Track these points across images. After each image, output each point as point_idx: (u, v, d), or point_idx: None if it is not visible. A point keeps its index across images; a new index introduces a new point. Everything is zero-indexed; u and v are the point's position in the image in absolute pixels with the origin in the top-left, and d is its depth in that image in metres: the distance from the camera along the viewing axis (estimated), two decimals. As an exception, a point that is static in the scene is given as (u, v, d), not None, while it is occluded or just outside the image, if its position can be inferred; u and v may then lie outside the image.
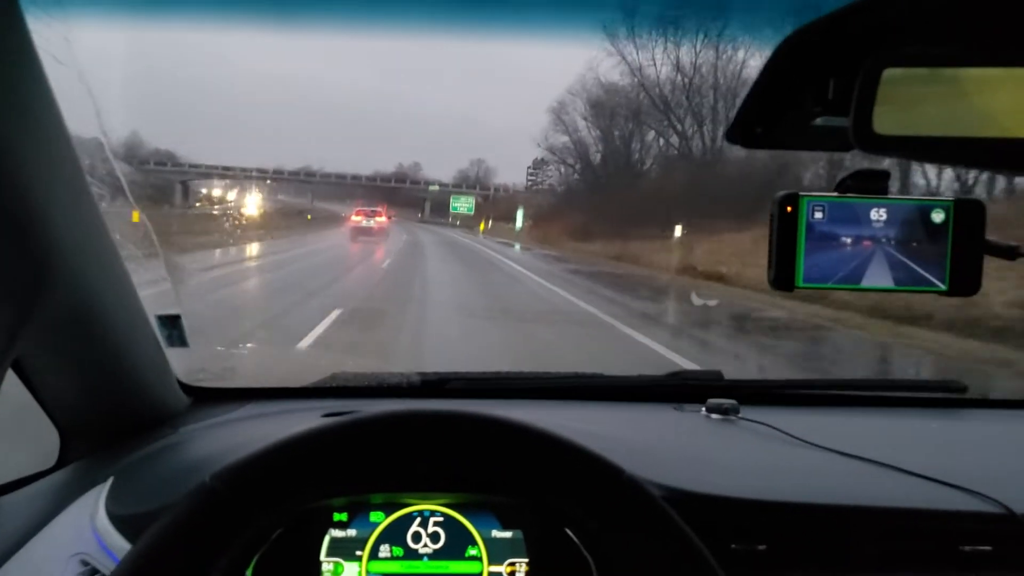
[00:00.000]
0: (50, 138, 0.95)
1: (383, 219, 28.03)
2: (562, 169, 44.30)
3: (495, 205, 52.42)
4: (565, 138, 41.27)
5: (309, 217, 42.19)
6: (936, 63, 0.64)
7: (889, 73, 0.63)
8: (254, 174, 45.20)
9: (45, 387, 1.19)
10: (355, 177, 55.07)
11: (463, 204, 49.07)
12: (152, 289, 1.33)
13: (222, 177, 42.88)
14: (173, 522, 0.76)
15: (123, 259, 1.18)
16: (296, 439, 0.81)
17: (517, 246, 30.42)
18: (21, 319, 0.97)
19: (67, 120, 0.96)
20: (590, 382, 1.73)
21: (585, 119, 38.12)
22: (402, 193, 63.31)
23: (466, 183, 56.06)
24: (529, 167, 56.16)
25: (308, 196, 52.87)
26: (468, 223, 47.97)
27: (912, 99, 0.64)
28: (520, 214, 40.77)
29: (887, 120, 0.64)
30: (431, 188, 56.16)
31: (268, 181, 46.75)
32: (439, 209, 56.35)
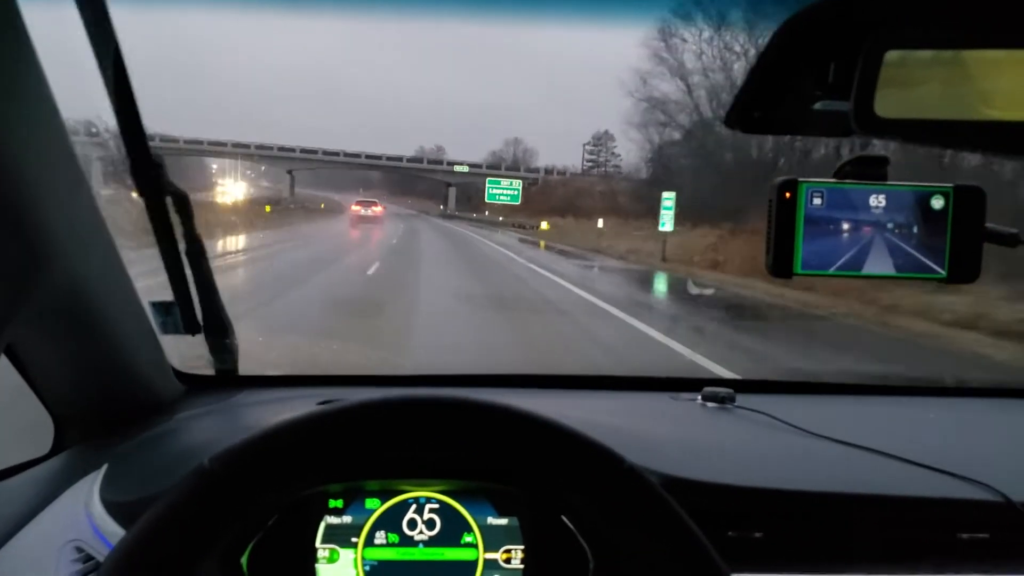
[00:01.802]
0: (44, 122, 0.95)
1: (379, 208, 35.21)
2: (656, 138, 29.66)
3: (547, 193, 40.52)
4: (670, 86, 27.75)
5: (323, 206, 41.20)
6: (939, 45, 0.63)
7: (891, 55, 0.63)
8: (254, 152, 41.13)
9: (39, 374, 1.19)
10: (349, 155, 46.02)
11: (505, 191, 36.92)
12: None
13: (221, 155, 39.56)
14: (170, 504, 0.75)
15: (117, 245, 1.17)
16: (295, 423, 0.80)
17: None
18: (13, 304, 0.97)
19: (60, 103, 0.95)
20: (587, 372, 1.74)
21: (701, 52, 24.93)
22: (420, 182, 53.88)
23: (503, 167, 44.63)
24: (587, 143, 46.35)
25: (289, 182, 45.81)
26: (512, 218, 36.42)
27: (914, 82, 0.64)
28: (669, 203, 18.69)
29: (889, 103, 0.63)
30: (457, 169, 44.17)
31: (259, 162, 43.59)
32: (468, 199, 45.63)
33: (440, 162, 47.51)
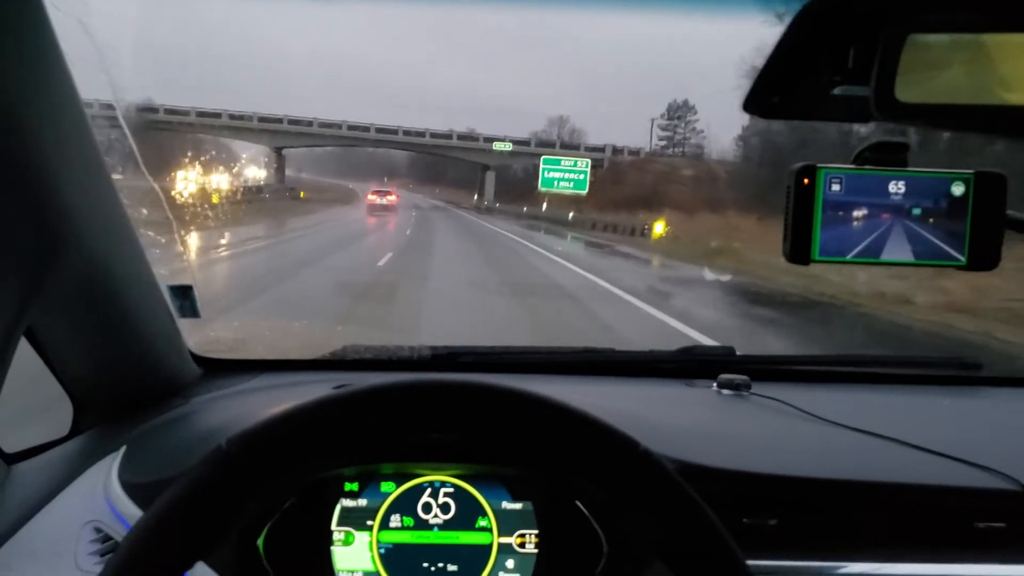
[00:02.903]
0: (63, 106, 0.95)
1: (393, 197, 32.77)
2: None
3: (617, 179, 31.92)
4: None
5: (303, 195, 33.41)
6: (961, 28, 0.63)
7: (912, 39, 0.62)
8: (225, 123, 32.97)
9: (58, 357, 1.20)
10: (355, 127, 36.19)
11: (567, 174, 28.01)
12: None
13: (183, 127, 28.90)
14: (188, 485, 0.76)
15: (136, 229, 1.18)
16: (312, 405, 0.81)
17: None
18: (33, 288, 0.98)
19: (79, 85, 0.96)
20: (601, 356, 1.73)
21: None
22: (450, 168, 44.40)
23: (558, 144, 35.45)
24: (659, 117, 36.85)
25: (275, 162, 36.03)
26: (586, 214, 26.91)
27: (936, 66, 0.63)
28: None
29: (910, 88, 0.63)
30: (497, 148, 34.47)
31: (232, 136, 33.49)
32: (511, 187, 36.40)
33: (474, 138, 36.69)
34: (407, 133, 36.70)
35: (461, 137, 36.87)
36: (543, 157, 29.81)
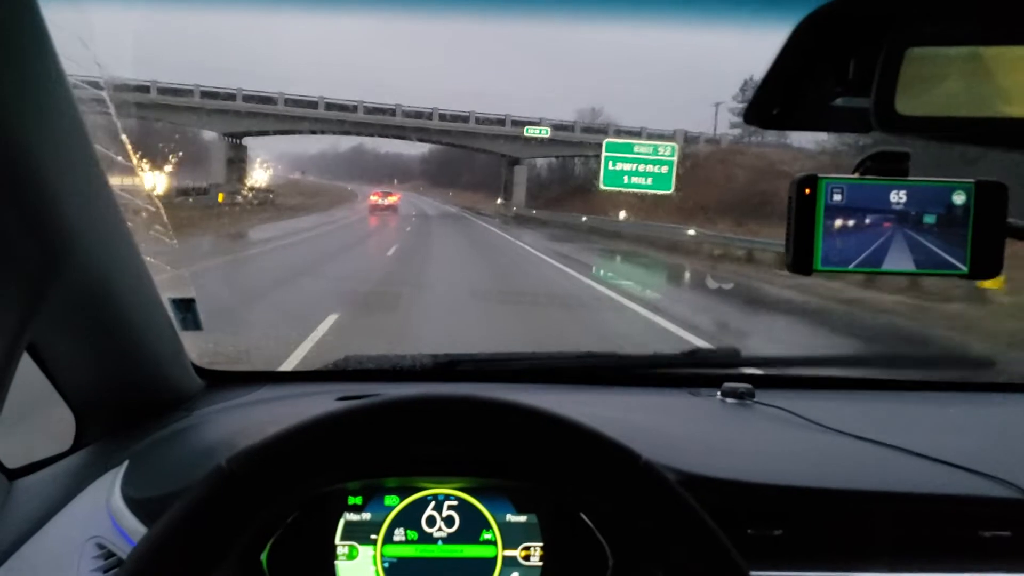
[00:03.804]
0: (62, 118, 0.95)
1: (395, 197, 33.18)
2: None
3: (706, 175, 23.01)
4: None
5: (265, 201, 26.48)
6: (961, 41, 0.63)
7: (912, 52, 0.62)
8: (239, 101, 25.77)
9: (60, 370, 1.20)
10: (335, 106, 27.78)
11: (642, 167, 19.36)
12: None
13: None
14: (189, 505, 0.76)
15: (136, 242, 1.18)
16: (312, 423, 0.80)
17: None
18: (34, 302, 0.98)
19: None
20: (604, 362, 1.71)
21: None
22: (468, 167, 36.29)
23: (610, 131, 25.38)
24: (732, 99, 28.66)
25: (224, 154, 27.05)
26: (712, 226, 17.70)
27: (936, 78, 0.63)
28: None
29: (910, 100, 0.63)
30: (531, 133, 26.57)
31: (159, 115, 23.14)
32: (548, 187, 28.15)
33: (499, 121, 28.08)
34: (408, 114, 27.74)
35: (482, 120, 27.64)
36: (606, 142, 20.81)
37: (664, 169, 19.43)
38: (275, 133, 28.83)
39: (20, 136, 0.87)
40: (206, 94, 26.40)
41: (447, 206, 37.70)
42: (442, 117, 28.20)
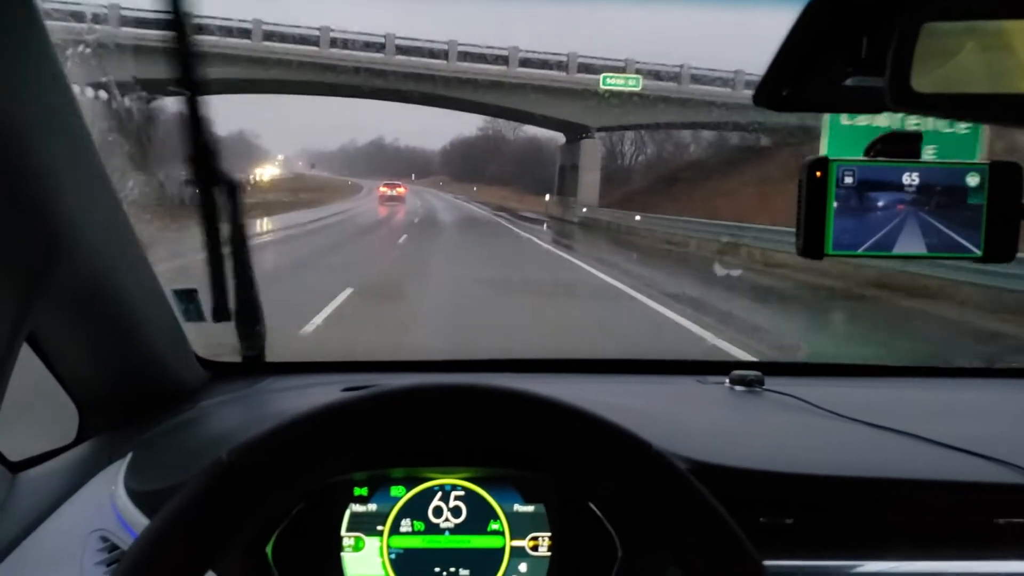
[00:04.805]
0: (61, 109, 0.94)
1: (402, 190, 39.51)
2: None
3: None
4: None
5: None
6: (978, 15, 0.61)
7: (928, 27, 0.61)
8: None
9: (62, 362, 1.19)
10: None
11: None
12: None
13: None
14: (190, 498, 0.75)
15: (137, 233, 1.17)
16: (315, 413, 0.79)
17: None
18: (35, 293, 0.97)
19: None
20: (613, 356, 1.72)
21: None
22: (493, 159, 27.31)
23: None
24: None
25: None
26: None
27: (953, 54, 0.61)
28: None
29: (926, 77, 0.61)
30: (608, 85, 16.92)
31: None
32: (622, 176, 20.72)
33: (558, 64, 18.19)
34: (404, 48, 18.16)
35: (529, 63, 17.75)
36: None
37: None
38: (243, 87, 18.02)
39: (20, 126, 0.86)
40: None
41: (471, 205, 31.24)
42: (466, 53, 18.35)
